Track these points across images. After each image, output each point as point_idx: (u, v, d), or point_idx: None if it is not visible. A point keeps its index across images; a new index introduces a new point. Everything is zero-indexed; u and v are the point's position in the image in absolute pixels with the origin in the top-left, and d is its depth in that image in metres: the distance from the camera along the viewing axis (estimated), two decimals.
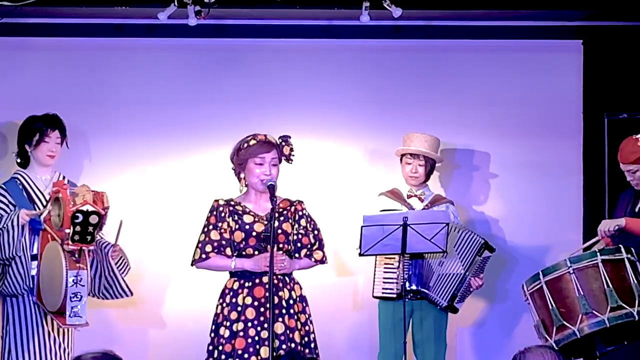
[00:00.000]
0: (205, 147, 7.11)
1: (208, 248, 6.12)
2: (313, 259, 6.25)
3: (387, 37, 7.26)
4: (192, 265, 6.21)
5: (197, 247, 6.18)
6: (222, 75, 7.24)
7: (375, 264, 6.74)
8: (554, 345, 5.85)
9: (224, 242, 6.11)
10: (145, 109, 7.20)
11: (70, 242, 6.12)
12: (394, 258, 6.67)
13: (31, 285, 6.29)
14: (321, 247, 6.28)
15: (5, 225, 6.27)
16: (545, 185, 7.30)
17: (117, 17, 7.05)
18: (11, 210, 6.41)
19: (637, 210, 6.41)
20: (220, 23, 7.12)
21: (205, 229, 6.17)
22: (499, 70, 7.35)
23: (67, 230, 6.12)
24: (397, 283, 6.66)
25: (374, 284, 6.74)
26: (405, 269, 6.62)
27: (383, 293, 6.71)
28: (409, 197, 6.85)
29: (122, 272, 6.50)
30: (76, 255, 6.17)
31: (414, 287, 6.64)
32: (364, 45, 7.28)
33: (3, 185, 6.51)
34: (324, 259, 6.31)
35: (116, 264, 6.46)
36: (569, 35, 7.30)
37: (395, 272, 6.67)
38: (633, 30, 7.21)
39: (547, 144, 7.31)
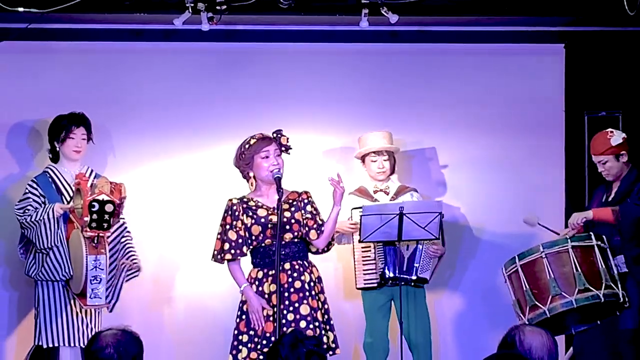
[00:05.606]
0: (217, 143, 7.21)
1: (226, 246, 6.22)
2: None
3: (385, 41, 7.39)
4: (212, 259, 6.29)
5: (217, 244, 6.25)
6: (232, 76, 7.36)
7: (354, 257, 6.84)
8: (527, 323, 6.00)
9: (240, 241, 6.21)
10: (162, 107, 7.30)
11: (88, 229, 6.33)
12: (369, 249, 6.80)
13: (71, 273, 6.49)
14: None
15: (42, 218, 6.47)
16: (529, 180, 7.40)
17: (136, 23, 7.17)
18: (42, 202, 6.60)
19: (610, 200, 6.59)
20: (230, 28, 7.25)
21: (222, 229, 6.24)
22: (487, 72, 7.45)
23: (85, 218, 6.32)
24: (376, 273, 6.77)
25: (355, 277, 6.84)
26: (379, 258, 6.75)
27: (365, 284, 6.82)
28: (375, 192, 6.97)
29: (129, 275, 6.72)
30: (95, 241, 6.37)
31: (391, 274, 6.71)
32: (364, 49, 7.41)
33: (35, 179, 6.71)
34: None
35: (129, 274, 6.71)
36: (552, 39, 7.42)
37: (373, 263, 6.79)
38: (611, 34, 7.33)
39: (531, 141, 7.41)
